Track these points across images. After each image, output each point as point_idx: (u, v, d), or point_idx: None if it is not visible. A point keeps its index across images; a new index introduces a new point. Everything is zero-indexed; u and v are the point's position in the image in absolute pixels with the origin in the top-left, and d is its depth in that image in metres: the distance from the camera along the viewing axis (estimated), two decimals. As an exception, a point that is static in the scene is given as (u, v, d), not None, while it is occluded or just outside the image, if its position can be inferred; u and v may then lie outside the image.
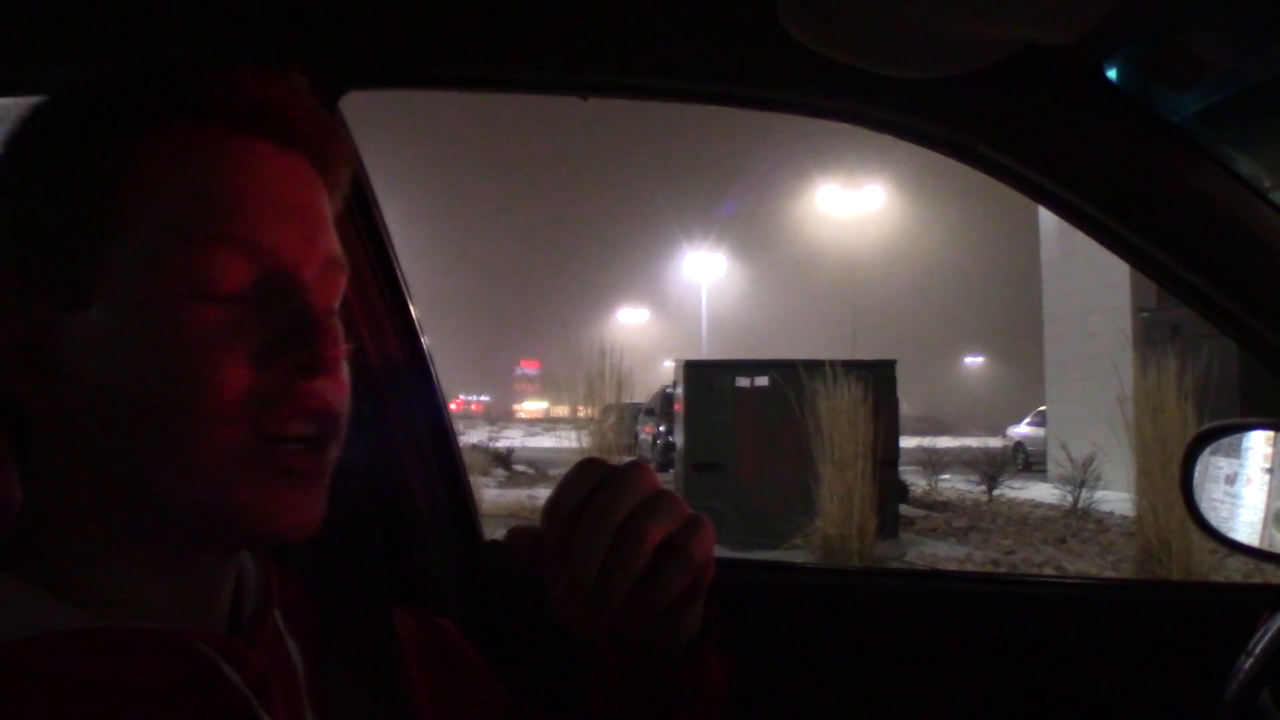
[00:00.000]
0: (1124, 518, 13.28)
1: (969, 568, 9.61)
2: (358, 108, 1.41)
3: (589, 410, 10.21)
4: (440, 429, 1.65)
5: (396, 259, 1.59)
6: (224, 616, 0.79)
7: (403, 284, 1.59)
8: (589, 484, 0.76)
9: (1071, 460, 14.49)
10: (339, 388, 0.75)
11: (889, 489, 10.93)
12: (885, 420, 10.71)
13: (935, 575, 1.83)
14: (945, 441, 32.94)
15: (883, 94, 1.23)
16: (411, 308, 1.61)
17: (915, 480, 16.31)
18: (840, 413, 10.38)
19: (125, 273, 0.70)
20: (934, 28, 1.13)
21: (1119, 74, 1.19)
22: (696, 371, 12.04)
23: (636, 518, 0.74)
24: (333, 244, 0.78)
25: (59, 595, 0.71)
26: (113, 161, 0.71)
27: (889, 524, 10.82)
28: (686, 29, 1.27)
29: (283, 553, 0.81)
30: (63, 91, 0.75)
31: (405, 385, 1.58)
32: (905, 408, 12.09)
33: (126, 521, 0.72)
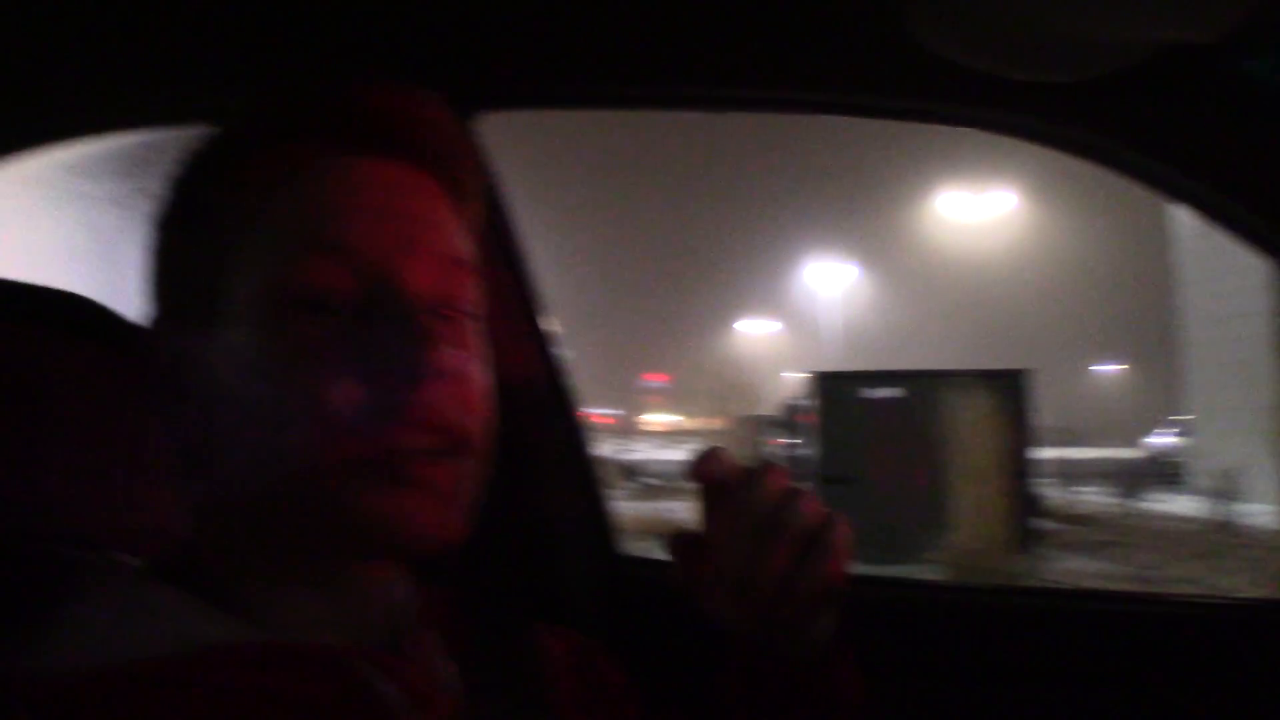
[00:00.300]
0: (1269, 531, 12.81)
1: (1110, 584, 9.39)
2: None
3: (718, 422, 10.21)
4: (578, 442, 1.66)
5: (532, 272, 1.61)
6: (380, 633, 0.78)
7: (539, 298, 1.61)
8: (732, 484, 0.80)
9: (1215, 472, 14.01)
10: (461, 396, 0.73)
11: (1024, 502, 10.74)
12: (1019, 431, 10.54)
13: (1080, 595, 1.78)
14: (1080, 452, 32.02)
15: (1016, 99, 1.23)
16: (547, 320, 1.62)
17: (1051, 492, 15.95)
18: (973, 424, 10.24)
19: (242, 292, 0.71)
20: (1070, 31, 1.11)
21: (1261, 72, 1.15)
22: (827, 383, 12.02)
23: (779, 509, 0.78)
24: (450, 244, 0.76)
25: (221, 609, 0.72)
26: (228, 187, 0.74)
27: (1024, 539, 10.62)
28: (813, 41, 1.26)
29: (430, 570, 0.81)
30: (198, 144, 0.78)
31: (543, 399, 1.59)
32: (1038, 417, 11.82)
33: (268, 536, 0.73)
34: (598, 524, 1.68)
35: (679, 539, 0.84)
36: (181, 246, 0.76)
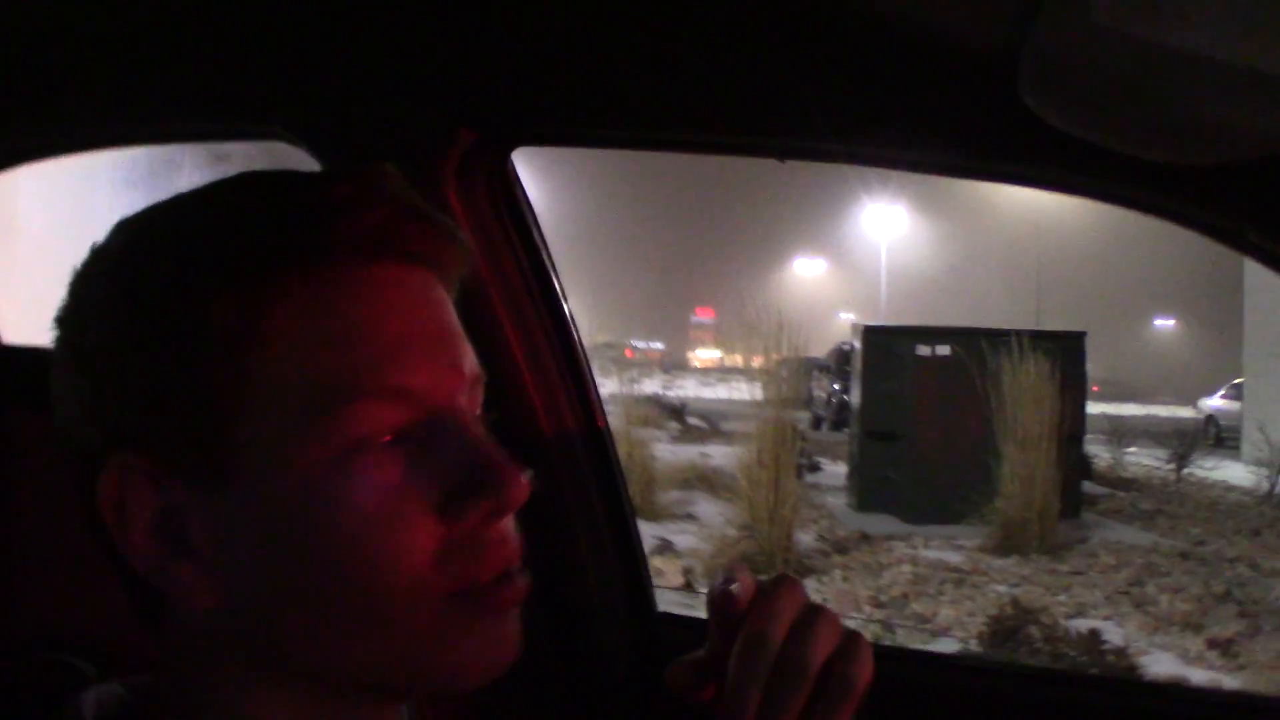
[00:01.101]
0: (1328, 511, 12.61)
1: (1155, 558, 9.24)
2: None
3: (763, 361, 10.11)
4: (615, 494, 1.59)
5: (573, 320, 1.56)
6: None
7: (579, 344, 1.55)
8: (741, 607, 0.72)
9: (1269, 442, 13.71)
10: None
11: (1073, 468, 10.56)
12: (1072, 396, 10.34)
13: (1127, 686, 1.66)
14: (1131, 408, 31.75)
15: (1132, 174, 1.14)
16: (587, 366, 1.57)
17: (1099, 452, 15.73)
18: (1026, 389, 10.04)
19: (265, 442, 0.63)
20: (1193, 115, 1.02)
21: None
22: (876, 337, 11.83)
23: (794, 641, 0.70)
24: (472, 358, 0.72)
25: None
26: (234, 318, 0.63)
27: (1071, 504, 10.48)
28: (915, 97, 1.20)
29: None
30: (160, 238, 0.67)
31: (578, 450, 1.53)
32: (1090, 370, 11.64)
33: (282, 694, 0.68)
34: (632, 580, 1.61)
35: (679, 670, 0.75)
36: (168, 385, 0.64)
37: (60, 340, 0.68)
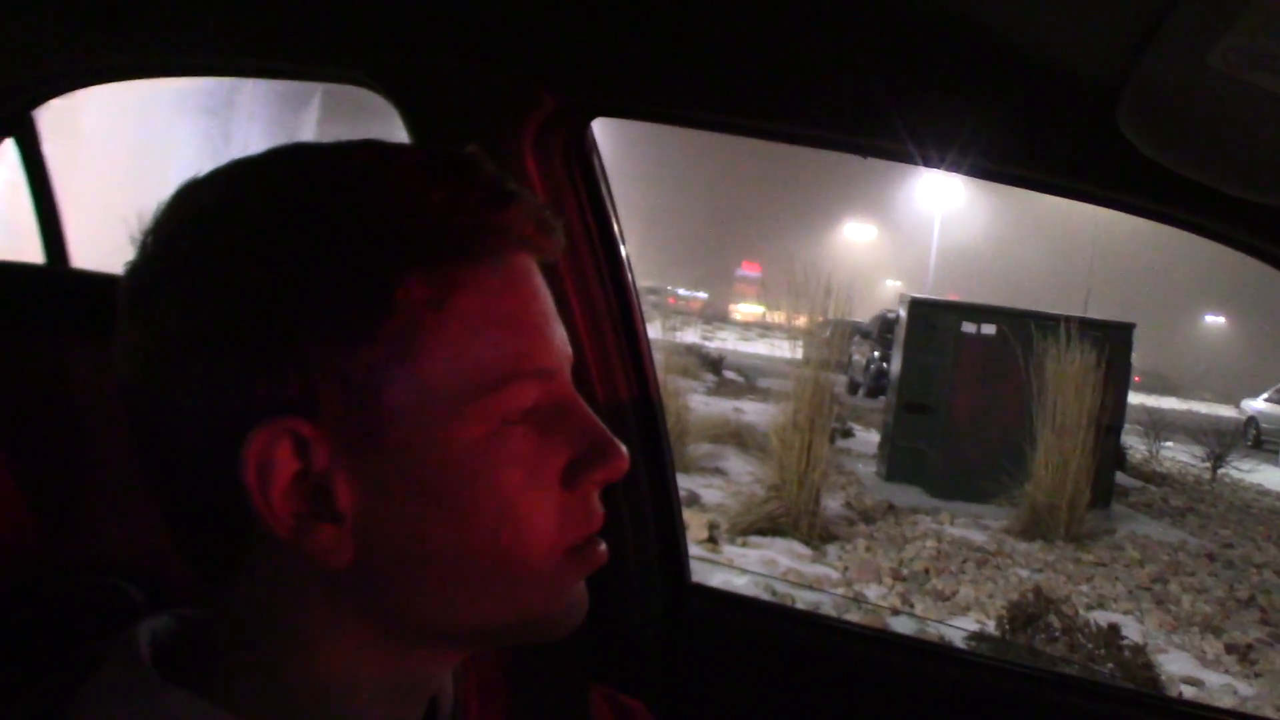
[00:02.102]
0: (1361, 524, 12.48)
1: (1181, 557, 9.20)
2: None
3: (806, 322, 10.06)
4: (661, 467, 1.61)
5: (636, 290, 1.57)
6: (422, 710, 0.78)
7: (639, 312, 1.57)
8: None
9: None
10: None
11: (1107, 458, 10.47)
12: (1114, 387, 10.24)
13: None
14: (1171, 402, 31.46)
15: (1223, 209, 1.14)
16: (645, 340, 1.58)
17: (1135, 444, 15.60)
18: (1069, 376, 9.94)
19: (424, 413, 0.66)
20: None
21: None
22: (921, 309, 11.73)
23: None
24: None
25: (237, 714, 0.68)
26: (420, 295, 0.66)
27: (1102, 494, 10.41)
28: (1010, 110, 1.20)
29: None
30: (340, 208, 0.66)
31: (629, 419, 1.55)
32: (1134, 361, 11.52)
33: (370, 643, 0.70)
34: (668, 550, 1.64)
35: None
36: (345, 354, 0.65)
37: (177, 300, 0.66)
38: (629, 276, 1.54)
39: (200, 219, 0.67)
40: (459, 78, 1.35)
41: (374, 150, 0.70)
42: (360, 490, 0.66)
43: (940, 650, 1.95)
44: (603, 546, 0.76)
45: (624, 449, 0.75)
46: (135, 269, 0.69)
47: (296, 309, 0.64)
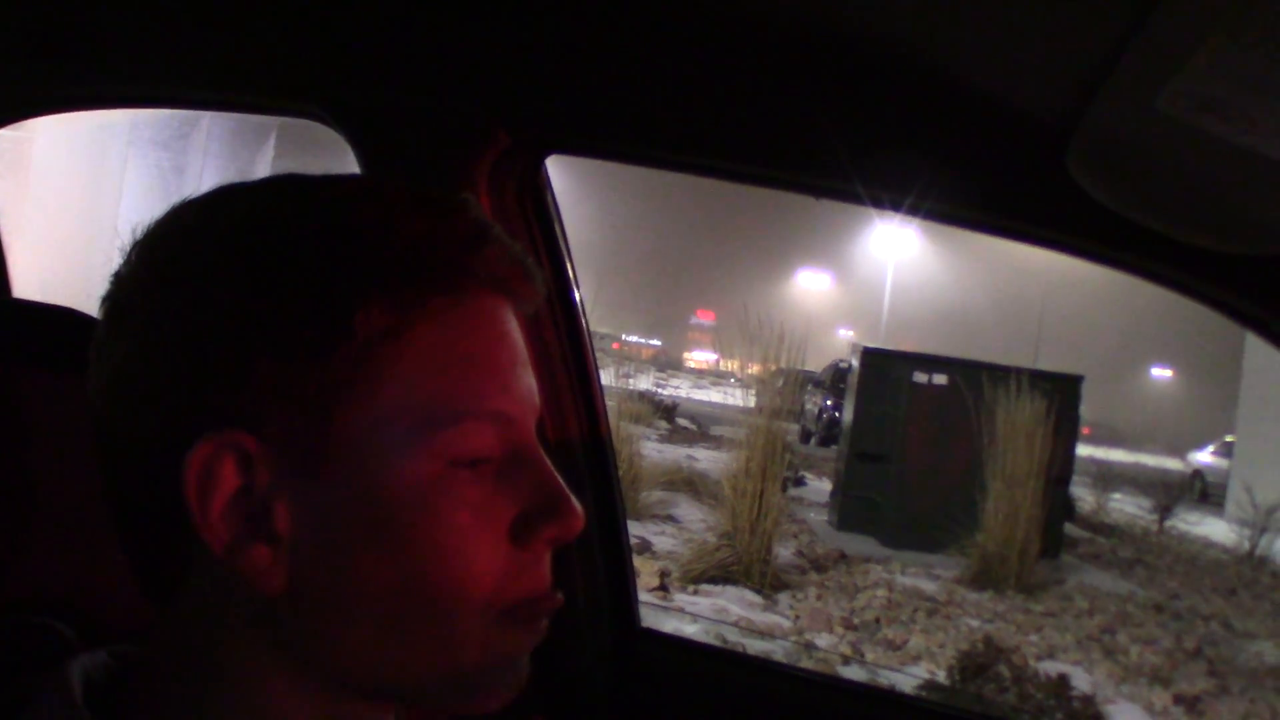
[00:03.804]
0: (1307, 577, 12.63)
1: (1130, 608, 9.25)
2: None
3: (760, 370, 10.10)
4: (611, 508, 1.60)
5: (589, 334, 1.56)
6: None
7: (590, 352, 1.56)
8: None
9: (1254, 503, 13.71)
10: None
11: (1056, 509, 10.54)
12: (1064, 439, 10.32)
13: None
14: (1119, 454, 31.79)
15: (1170, 254, 1.15)
16: (597, 380, 1.57)
17: (1084, 495, 15.72)
18: (1019, 427, 10.02)
19: (374, 443, 0.65)
20: (1235, 207, 1.03)
21: None
22: (874, 359, 11.79)
23: None
24: (535, 388, 0.75)
25: None
26: (380, 323, 0.65)
27: (1052, 544, 10.47)
28: (959, 152, 1.21)
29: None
30: (307, 231, 0.67)
31: (579, 462, 1.54)
32: (1083, 412, 11.64)
33: (297, 686, 0.68)
34: (618, 594, 1.62)
35: None
36: (299, 372, 0.65)
37: (149, 309, 0.66)
38: (582, 315, 1.53)
39: (183, 234, 0.69)
40: (413, 113, 1.34)
41: (363, 182, 0.71)
42: (300, 514, 0.65)
43: (890, 696, 1.94)
44: (545, 622, 0.72)
45: (579, 509, 0.71)
46: (118, 280, 0.70)
47: (257, 323, 0.64)
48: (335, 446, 0.65)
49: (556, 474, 0.72)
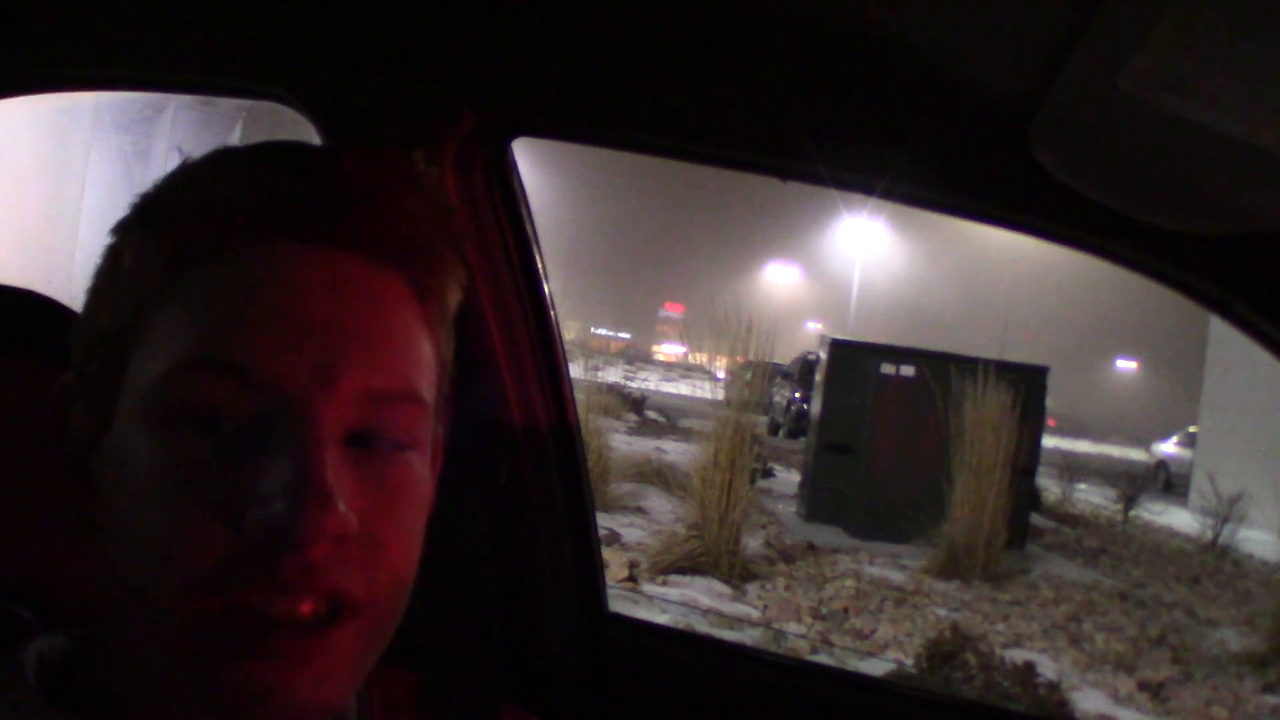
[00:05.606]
0: (1264, 563, 12.76)
1: (1095, 596, 9.33)
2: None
3: (728, 362, 10.11)
4: (579, 494, 1.59)
5: (553, 305, 1.56)
6: None
7: (557, 336, 1.55)
8: None
9: (1217, 492, 13.85)
10: (359, 556, 0.60)
11: (1022, 499, 10.62)
12: (1029, 429, 10.40)
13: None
14: (1085, 445, 32.04)
15: (1132, 235, 1.15)
16: (565, 364, 1.57)
17: (1049, 486, 15.83)
18: (985, 416, 10.07)
19: (134, 394, 0.62)
20: (1202, 187, 1.03)
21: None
22: (842, 351, 11.83)
23: None
24: (390, 374, 0.64)
25: None
26: (154, 273, 0.64)
27: (1018, 534, 10.54)
28: (922, 133, 1.20)
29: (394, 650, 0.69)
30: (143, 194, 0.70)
31: (546, 445, 1.53)
32: (1049, 404, 11.73)
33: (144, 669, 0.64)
34: (586, 580, 1.61)
35: None
36: (98, 328, 0.68)
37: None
38: (549, 300, 1.52)
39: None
40: (377, 93, 1.33)
41: (261, 145, 0.70)
42: (100, 466, 0.66)
43: (858, 679, 1.95)
44: (327, 638, 0.60)
45: (330, 516, 0.57)
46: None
47: (99, 274, 0.69)
48: (122, 399, 0.64)
49: (319, 465, 0.58)
